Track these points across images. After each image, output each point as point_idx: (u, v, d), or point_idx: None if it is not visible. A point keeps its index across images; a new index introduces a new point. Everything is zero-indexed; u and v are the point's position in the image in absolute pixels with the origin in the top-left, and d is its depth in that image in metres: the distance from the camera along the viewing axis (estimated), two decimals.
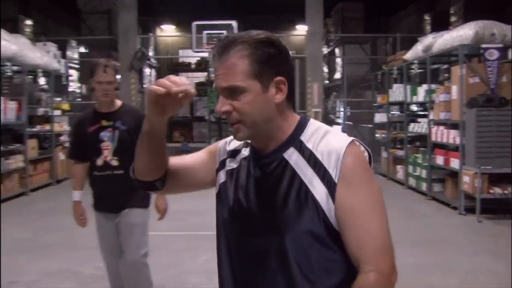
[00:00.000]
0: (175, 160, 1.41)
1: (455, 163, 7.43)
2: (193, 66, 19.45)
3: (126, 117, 3.15)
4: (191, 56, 17.22)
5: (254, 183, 1.29)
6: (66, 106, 11.45)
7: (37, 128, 9.87)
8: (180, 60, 18.50)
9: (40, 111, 10.02)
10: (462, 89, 7.20)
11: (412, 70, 9.75)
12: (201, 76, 23.67)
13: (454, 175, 7.56)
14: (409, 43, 12.30)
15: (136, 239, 3.10)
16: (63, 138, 11.04)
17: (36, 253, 5.32)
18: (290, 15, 19.57)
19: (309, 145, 1.24)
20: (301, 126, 1.28)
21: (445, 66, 9.76)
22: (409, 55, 9.44)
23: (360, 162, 1.22)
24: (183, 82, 1.19)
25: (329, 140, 1.24)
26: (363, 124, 13.40)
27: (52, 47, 11.18)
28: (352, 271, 1.22)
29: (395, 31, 14.25)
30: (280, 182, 1.24)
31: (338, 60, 14.79)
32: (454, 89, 7.48)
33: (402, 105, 9.94)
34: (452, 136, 7.54)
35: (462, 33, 7.53)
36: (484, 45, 7.20)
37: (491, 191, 6.76)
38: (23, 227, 6.62)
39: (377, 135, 11.43)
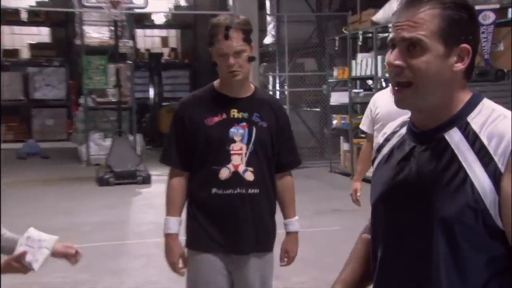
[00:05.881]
0: None
1: None
2: (24, 17, 14.89)
3: (266, 109, 2.51)
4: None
5: (407, 161, 1.30)
6: None
7: None
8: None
9: None
10: None
11: (382, 34, 8.77)
12: (40, 33, 17.40)
13: None
14: None
15: None
16: None
17: None
18: None
19: (476, 128, 1.19)
20: (471, 105, 1.23)
21: None
22: (380, 15, 8.47)
23: None
24: None
25: (501, 124, 1.18)
26: (308, 107, 11.50)
27: None
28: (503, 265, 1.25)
29: None
30: (436, 163, 1.22)
31: (269, 18, 12.27)
32: None
33: (372, 80, 9.12)
34: None
35: None
36: (477, 7, 6.79)
37: None
38: None
39: (334, 121, 10.12)
